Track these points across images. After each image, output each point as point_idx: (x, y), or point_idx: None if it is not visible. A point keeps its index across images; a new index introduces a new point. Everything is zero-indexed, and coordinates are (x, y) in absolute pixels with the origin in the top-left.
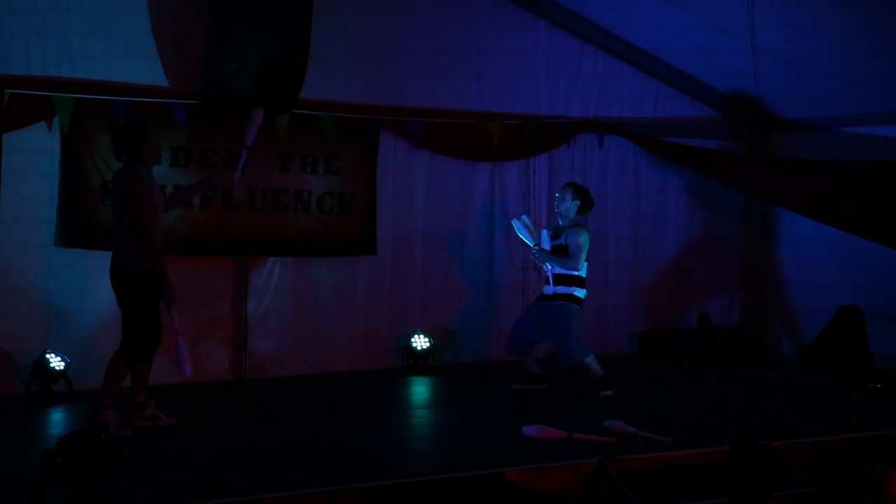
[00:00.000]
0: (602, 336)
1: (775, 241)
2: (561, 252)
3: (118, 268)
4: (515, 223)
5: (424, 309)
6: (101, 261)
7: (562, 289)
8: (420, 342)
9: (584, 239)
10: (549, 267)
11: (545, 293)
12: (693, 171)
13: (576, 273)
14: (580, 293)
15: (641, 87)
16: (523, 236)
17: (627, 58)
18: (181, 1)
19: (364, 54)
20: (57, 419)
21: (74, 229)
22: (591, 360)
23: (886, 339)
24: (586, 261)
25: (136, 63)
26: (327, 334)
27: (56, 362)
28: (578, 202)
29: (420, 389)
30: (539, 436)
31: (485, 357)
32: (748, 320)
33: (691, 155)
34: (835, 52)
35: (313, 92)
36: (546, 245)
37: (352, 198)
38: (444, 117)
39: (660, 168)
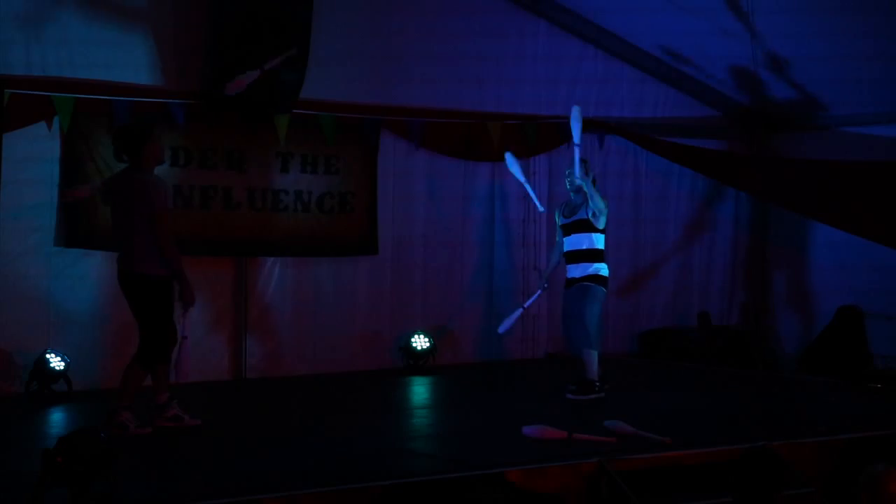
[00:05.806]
0: (602, 336)
1: (775, 241)
2: (584, 226)
3: (129, 272)
4: (508, 156)
5: (424, 309)
6: (101, 261)
7: (583, 267)
8: (420, 342)
9: (605, 203)
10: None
11: (570, 277)
12: (693, 171)
13: (595, 247)
14: (604, 269)
15: (641, 87)
16: (515, 172)
17: (628, 58)
18: (181, 1)
19: (364, 54)
20: (57, 419)
21: (74, 230)
22: (591, 357)
23: (886, 339)
24: (604, 233)
25: (136, 63)
26: (327, 334)
27: (56, 362)
28: (591, 175)
29: (420, 389)
30: (539, 436)
31: (485, 357)
32: (748, 320)
33: (691, 155)
34: (835, 51)
35: (313, 92)
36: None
37: (352, 198)
38: (445, 117)
39: (659, 168)
